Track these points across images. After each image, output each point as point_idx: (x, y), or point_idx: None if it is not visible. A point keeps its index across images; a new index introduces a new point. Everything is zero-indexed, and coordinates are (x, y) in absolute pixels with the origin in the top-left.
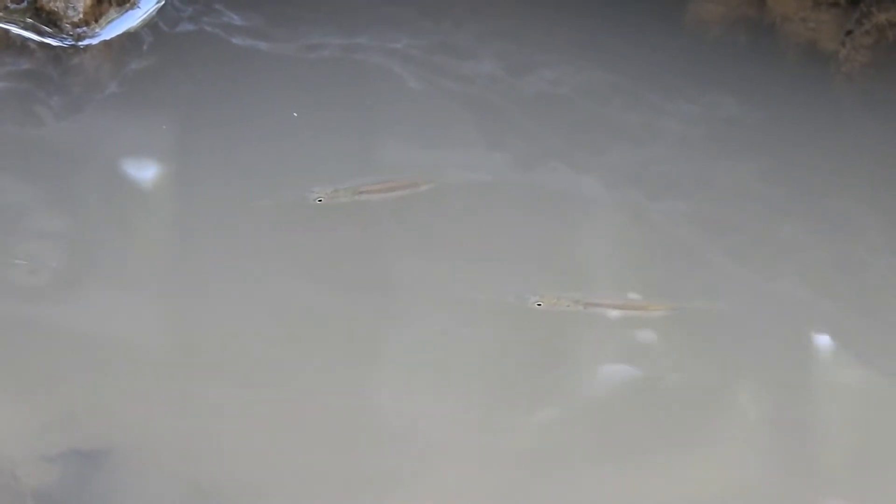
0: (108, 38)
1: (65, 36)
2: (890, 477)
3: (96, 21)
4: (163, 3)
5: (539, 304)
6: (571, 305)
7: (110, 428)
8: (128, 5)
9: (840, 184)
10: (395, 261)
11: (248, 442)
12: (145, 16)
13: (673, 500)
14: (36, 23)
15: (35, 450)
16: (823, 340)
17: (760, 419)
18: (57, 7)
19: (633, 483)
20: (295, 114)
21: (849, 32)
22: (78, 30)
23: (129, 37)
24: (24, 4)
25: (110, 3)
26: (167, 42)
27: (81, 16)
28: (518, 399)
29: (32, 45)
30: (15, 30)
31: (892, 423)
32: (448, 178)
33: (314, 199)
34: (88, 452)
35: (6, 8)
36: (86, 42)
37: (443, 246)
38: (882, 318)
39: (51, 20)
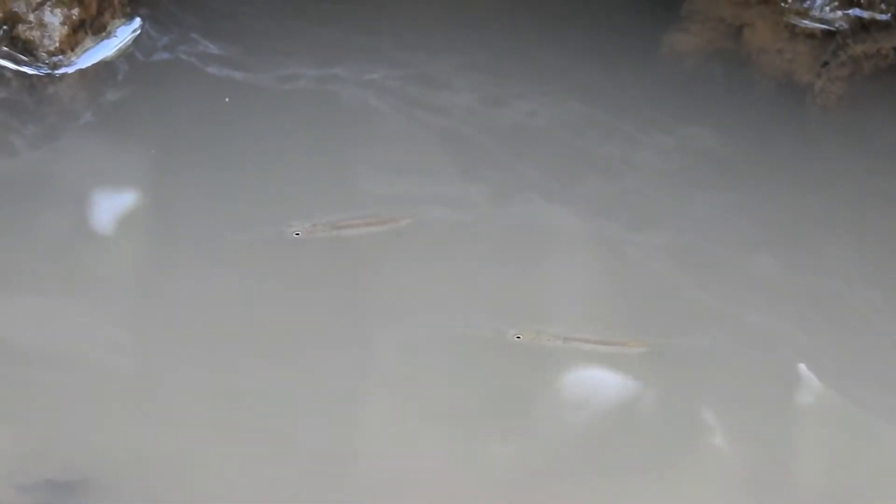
0: (83, 66)
1: (40, 65)
2: None
3: (72, 50)
4: (138, 32)
5: (518, 338)
6: (551, 340)
7: (85, 458)
8: (103, 34)
9: (816, 216)
10: (373, 295)
11: (224, 472)
12: (121, 45)
13: None
14: (11, 51)
15: (10, 480)
16: (799, 373)
17: (737, 454)
18: (33, 36)
19: None
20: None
21: (825, 64)
22: (54, 59)
23: (105, 66)
24: (0, 33)
25: (86, 33)
26: (143, 71)
27: (57, 45)
28: (496, 432)
29: (8, 74)
30: None
31: (867, 454)
32: (426, 212)
33: (292, 234)
34: (63, 483)
35: None
36: (61, 71)
37: (420, 280)
38: (858, 350)
39: (27, 49)
